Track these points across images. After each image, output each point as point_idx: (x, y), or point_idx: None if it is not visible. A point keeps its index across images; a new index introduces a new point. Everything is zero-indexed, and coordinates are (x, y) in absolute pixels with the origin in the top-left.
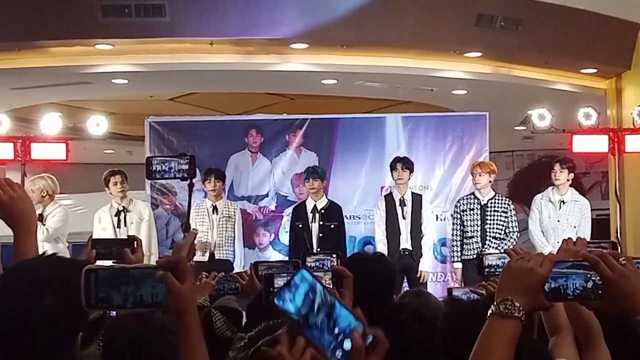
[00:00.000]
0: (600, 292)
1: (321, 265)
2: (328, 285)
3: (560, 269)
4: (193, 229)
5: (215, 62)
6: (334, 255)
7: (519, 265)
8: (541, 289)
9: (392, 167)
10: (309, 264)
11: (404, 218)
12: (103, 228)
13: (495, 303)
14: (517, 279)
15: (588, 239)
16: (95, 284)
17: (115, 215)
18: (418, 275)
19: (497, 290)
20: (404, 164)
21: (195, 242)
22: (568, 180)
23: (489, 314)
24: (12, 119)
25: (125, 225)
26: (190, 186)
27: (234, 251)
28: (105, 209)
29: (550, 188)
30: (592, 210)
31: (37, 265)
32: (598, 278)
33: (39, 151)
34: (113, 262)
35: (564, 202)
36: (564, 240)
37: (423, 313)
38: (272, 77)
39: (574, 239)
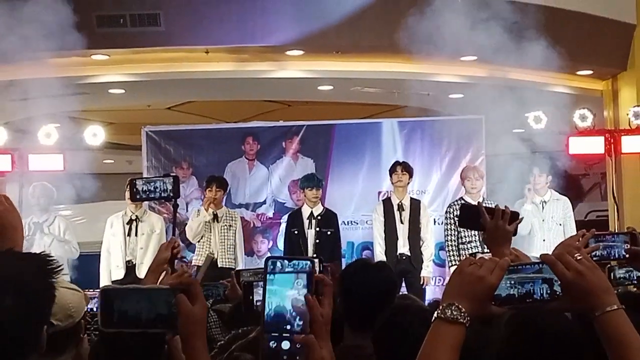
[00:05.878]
0: (557, 293)
1: None
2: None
3: (527, 274)
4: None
5: (211, 70)
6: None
7: (469, 271)
8: (490, 297)
9: (392, 170)
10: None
11: (402, 223)
12: (113, 234)
13: (441, 307)
14: (466, 284)
15: None
16: (113, 305)
17: (127, 224)
18: (421, 283)
19: (444, 293)
20: (404, 167)
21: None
22: (547, 183)
23: (433, 318)
24: (9, 130)
25: (136, 235)
26: (175, 206)
27: (235, 259)
28: (119, 215)
29: (527, 191)
30: (592, 211)
31: None
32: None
33: (36, 162)
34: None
35: (545, 202)
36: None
37: (427, 316)
38: (268, 84)
39: (564, 237)
